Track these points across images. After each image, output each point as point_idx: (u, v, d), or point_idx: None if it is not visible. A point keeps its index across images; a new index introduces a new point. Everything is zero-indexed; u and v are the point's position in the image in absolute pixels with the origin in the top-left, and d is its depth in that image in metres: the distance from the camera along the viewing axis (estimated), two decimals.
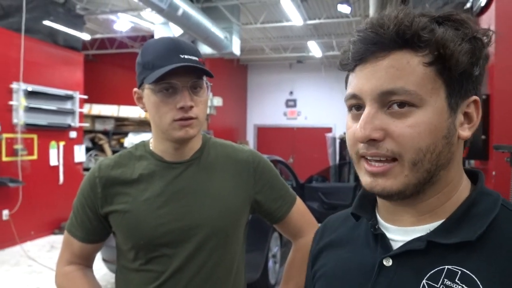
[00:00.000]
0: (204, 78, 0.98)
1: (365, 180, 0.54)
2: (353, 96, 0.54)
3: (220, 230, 1.00)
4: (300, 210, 1.14)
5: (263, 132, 12.00)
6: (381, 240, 0.58)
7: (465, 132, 0.53)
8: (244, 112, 12.11)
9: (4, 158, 5.11)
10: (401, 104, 0.50)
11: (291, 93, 11.69)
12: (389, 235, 0.57)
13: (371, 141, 0.51)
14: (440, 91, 0.50)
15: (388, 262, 0.55)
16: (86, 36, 7.36)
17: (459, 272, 0.49)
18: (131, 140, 7.20)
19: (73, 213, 1.07)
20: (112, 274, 3.86)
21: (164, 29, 6.59)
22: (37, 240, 5.55)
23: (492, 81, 1.36)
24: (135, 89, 1.02)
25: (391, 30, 0.49)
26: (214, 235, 1.00)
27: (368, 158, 0.52)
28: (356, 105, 0.54)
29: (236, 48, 7.00)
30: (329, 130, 10.11)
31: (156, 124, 0.98)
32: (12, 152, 5.21)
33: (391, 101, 0.50)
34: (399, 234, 0.57)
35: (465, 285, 0.48)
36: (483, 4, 1.46)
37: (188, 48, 0.96)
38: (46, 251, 5.10)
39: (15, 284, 4.00)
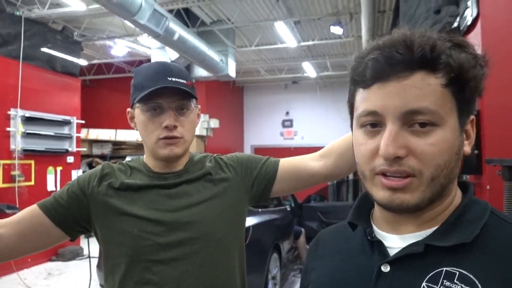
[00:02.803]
0: (193, 100, 1.03)
1: (383, 194, 0.55)
2: (372, 113, 0.55)
3: (211, 235, 1.01)
4: (288, 159, 1.14)
5: (260, 152, 11.90)
6: (378, 247, 0.60)
7: (468, 148, 0.57)
8: (241, 133, 12.16)
9: (1, 185, 5.09)
10: (423, 124, 0.52)
11: (287, 113, 11.78)
12: (385, 242, 0.59)
13: (396, 159, 0.52)
14: (454, 111, 0.53)
15: (386, 268, 0.57)
16: (83, 62, 7.45)
17: (457, 273, 0.51)
18: None
19: (53, 195, 1.03)
20: None
21: (160, 54, 6.70)
22: (34, 267, 5.45)
23: (482, 98, 1.39)
24: (128, 109, 1.07)
25: (416, 51, 0.51)
26: (205, 241, 1.00)
27: (388, 174, 0.54)
28: (372, 122, 0.55)
29: (231, 70, 7.10)
30: None
31: (144, 141, 1.04)
32: (9, 179, 5.19)
33: (414, 120, 0.52)
34: (396, 241, 0.59)
35: (464, 285, 0.50)
36: (469, 23, 1.51)
37: (176, 71, 1.01)
38: (43, 279, 5.02)
39: None
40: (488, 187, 1.34)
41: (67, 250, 5.85)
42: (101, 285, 3.65)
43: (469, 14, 1.46)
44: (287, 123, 11.77)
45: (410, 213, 0.56)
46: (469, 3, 1.45)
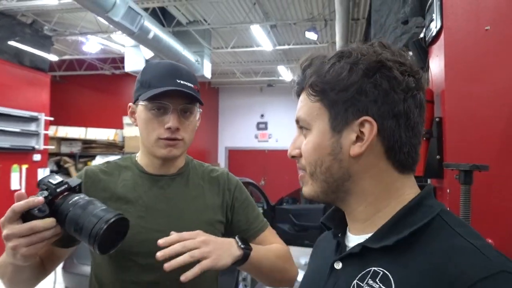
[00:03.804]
0: (197, 104, 1.05)
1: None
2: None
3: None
4: (273, 233, 1.17)
5: (234, 154, 12.02)
6: (339, 247, 0.66)
7: (356, 149, 0.59)
8: (215, 135, 12.12)
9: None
10: (301, 127, 0.66)
11: (262, 116, 11.84)
12: (349, 243, 0.65)
13: (293, 157, 0.67)
14: (322, 117, 0.62)
15: (338, 265, 0.62)
16: (53, 57, 7.23)
17: (381, 273, 0.55)
18: (99, 163, 7.02)
19: None
20: None
21: (134, 52, 6.59)
22: None
23: (444, 105, 1.46)
24: (130, 104, 1.07)
25: (295, 82, 0.69)
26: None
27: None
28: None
29: (207, 71, 7.08)
30: None
31: (143, 138, 1.04)
32: None
33: (299, 125, 0.67)
34: (353, 242, 0.63)
35: (382, 284, 0.54)
36: (434, 34, 1.58)
37: (185, 74, 1.02)
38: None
39: None
40: (448, 190, 1.40)
41: None
42: (66, 287, 3.55)
43: (434, 26, 1.53)
44: (262, 126, 11.83)
45: (344, 211, 0.66)
46: (434, 16, 1.52)
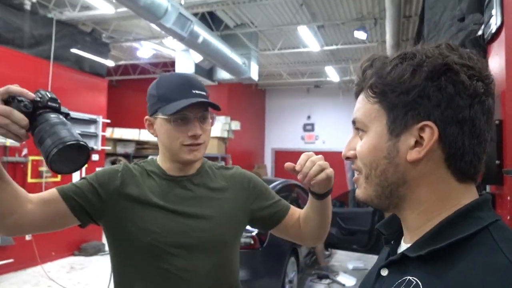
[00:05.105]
0: (209, 110, 1.13)
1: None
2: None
3: (220, 239, 1.11)
4: (297, 211, 1.24)
5: (280, 155, 12.02)
6: (390, 253, 0.66)
7: (414, 155, 0.57)
8: (262, 136, 12.20)
9: (30, 180, 5.29)
10: (357, 129, 0.65)
11: (308, 117, 11.74)
12: (399, 251, 0.64)
13: (348, 159, 0.67)
14: (380, 119, 0.60)
15: (384, 272, 0.62)
16: (110, 63, 7.66)
17: (414, 282, 0.54)
18: None
19: (72, 183, 1.07)
20: None
21: (185, 56, 6.82)
22: (57, 261, 5.63)
23: (504, 106, 1.37)
24: (147, 117, 1.14)
25: (354, 82, 0.67)
26: (214, 244, 1.10)
27: None
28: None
29: (254, 73, 7.15)
30: None
31: (166, 147, 1.12)
32: (37, 174, 5.39)
33: (355, 127, 0.66)
34: (402, 250, 0.62)
35: None
36: (493, 31, 1.49)
37: (198, 84, 1.11)
38: (66, 272, 5.17)
39: None
40: (508, 197, 1.31)
41: (90, 245, 6.02)
42: None
43: (494, 23, 1.44)
44: (309, 127, 11.74)
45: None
46: (493, 12, 1.43)
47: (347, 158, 0.66)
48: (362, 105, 0.64)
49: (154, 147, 8.38)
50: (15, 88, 0.81)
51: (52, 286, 4.57)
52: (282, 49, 7.65)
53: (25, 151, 5.22)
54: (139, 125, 8.47)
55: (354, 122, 0.65)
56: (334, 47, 7.41)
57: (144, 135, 8.24)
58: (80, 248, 5.99)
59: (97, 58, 6.50)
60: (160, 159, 1.17)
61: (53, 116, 0.81)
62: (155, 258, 1.05)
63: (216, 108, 1.11)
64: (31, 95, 0.83)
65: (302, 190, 5.06)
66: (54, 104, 0.83)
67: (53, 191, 1.03)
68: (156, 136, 1.13)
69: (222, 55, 6.04)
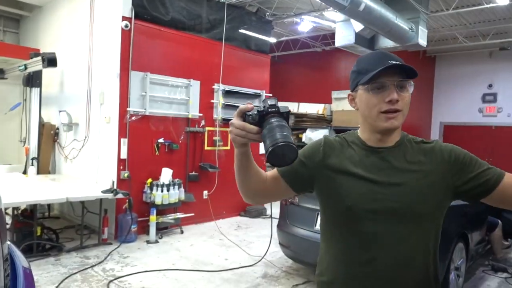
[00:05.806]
0: (410, 82, 1.14)
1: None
2: None
3: (414, 209, 1.11)
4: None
5: (451, 130, 10.70)
6: None
7: None
8: (429, 109, 11.06)
9: (206, 148, 6.15)
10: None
11: (490, 86, 10.04)
12: None
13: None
14: None
15: None
16: (273, 40, 8.06)
17: None
18: (309, 135, 7.51)
19: None
20: (287, 258, 4.17)
21: (345, 26, 6.62)
22: (227, 219, 6.48)
23: None
24: (349, 92, 1.22)
25: None
26: (406, 213, 1.11)
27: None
28: None
29: (422, 39, 6.45)
30: None
31: (364, 117, 1.18)
32: (211, 143, 6.22)
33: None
34: None
35: None
36: None
37: (394, 56, 1.14)
38: (234, 229, 5.89)
39: (210, 252, 4.77)
40: None
41: (253, 208, 6.68)
42: (280, 243, 4.04)
43: None
44: (489, 98, 10.05)
45: None
46: None
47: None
48: None
49: (312, 120, 8.55)
50: (244, 106, 1.06)
51: (224, 240, 5.28)
52: (458, 8, 6.64)
53: (202, 122, 6.05)
54: (299, 98, 8.76)
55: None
56: None
57: (303, 108, 8.47)
58: (246, 210, 6.73)
59: (261, 36, 6.93)
60: (360, 130, 1.24)
61: (273, 121, 1.00)
62: (352, 221, 1.14)
63: (413, 74, 1.11)
64: (251, 106, 1.06)
65: None
66: (273, 109, 1.02)
67: (274, 171, 1.24)
68: (357, 109, 1.20)
69: (386, 22, 5.62)
